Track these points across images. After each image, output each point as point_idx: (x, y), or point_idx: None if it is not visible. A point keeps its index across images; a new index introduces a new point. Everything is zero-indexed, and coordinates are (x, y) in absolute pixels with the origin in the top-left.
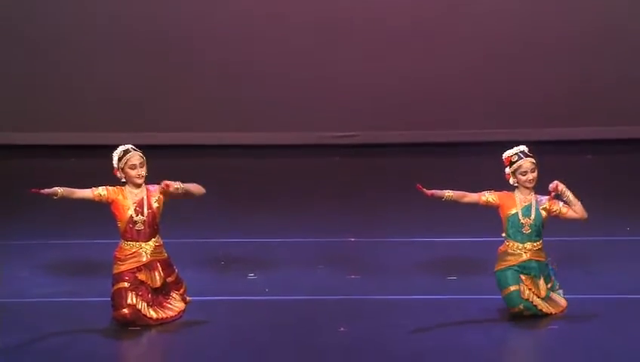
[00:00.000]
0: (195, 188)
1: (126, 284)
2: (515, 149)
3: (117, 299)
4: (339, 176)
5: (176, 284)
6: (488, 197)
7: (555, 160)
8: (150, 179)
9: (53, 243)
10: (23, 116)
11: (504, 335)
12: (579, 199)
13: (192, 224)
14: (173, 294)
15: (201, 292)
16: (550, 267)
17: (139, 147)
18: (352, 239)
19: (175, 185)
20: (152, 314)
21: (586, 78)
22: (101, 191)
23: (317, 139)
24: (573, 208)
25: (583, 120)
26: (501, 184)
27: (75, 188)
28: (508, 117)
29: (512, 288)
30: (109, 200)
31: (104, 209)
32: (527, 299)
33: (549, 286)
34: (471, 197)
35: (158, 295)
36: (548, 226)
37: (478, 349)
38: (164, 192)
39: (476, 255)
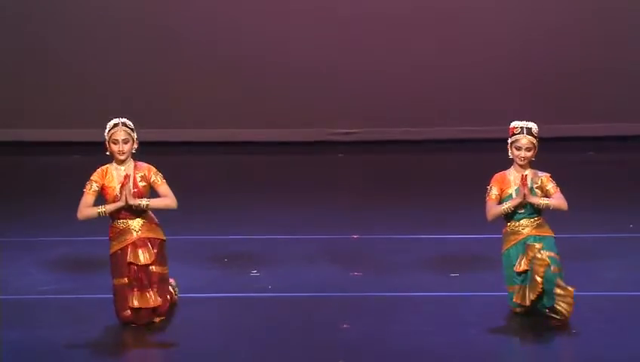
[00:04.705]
0: (163, 203)
1: (126, 280)
2: (522, 123)
3: (120, 301)
4: (342, 173)
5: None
6: (492, 194)
7: (557, 157)
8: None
9: (57, 239)
10: (25, 113)
11: (507, 331)
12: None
13: (195, 220)
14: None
15: (204, 288)
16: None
17: (142, 144)
18: (356, 236)
19: (136, 203)
20: (150, 300)
21: (589, 75)
22: (95, 187)
23: (320, 135)
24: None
25: (585, 116)
26: None
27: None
28: (511, 113)
29: (517, 286)
30: (101, 187)
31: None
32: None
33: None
34: (492, 208)
35: (149, 287)
36: (550, 224)
37: (481, 346)
38: (148, 181)
39: (479, 252)
